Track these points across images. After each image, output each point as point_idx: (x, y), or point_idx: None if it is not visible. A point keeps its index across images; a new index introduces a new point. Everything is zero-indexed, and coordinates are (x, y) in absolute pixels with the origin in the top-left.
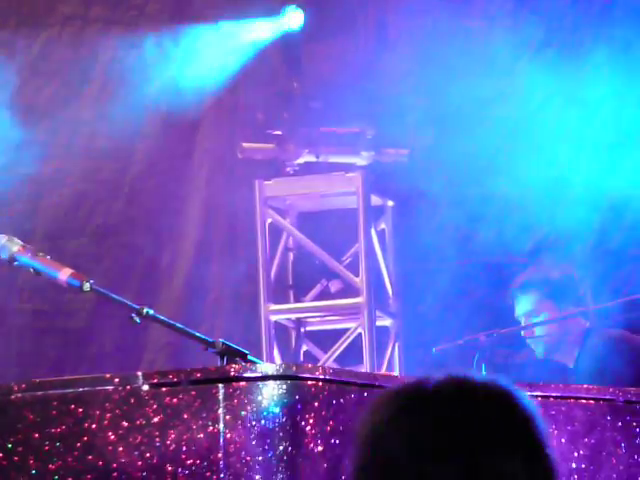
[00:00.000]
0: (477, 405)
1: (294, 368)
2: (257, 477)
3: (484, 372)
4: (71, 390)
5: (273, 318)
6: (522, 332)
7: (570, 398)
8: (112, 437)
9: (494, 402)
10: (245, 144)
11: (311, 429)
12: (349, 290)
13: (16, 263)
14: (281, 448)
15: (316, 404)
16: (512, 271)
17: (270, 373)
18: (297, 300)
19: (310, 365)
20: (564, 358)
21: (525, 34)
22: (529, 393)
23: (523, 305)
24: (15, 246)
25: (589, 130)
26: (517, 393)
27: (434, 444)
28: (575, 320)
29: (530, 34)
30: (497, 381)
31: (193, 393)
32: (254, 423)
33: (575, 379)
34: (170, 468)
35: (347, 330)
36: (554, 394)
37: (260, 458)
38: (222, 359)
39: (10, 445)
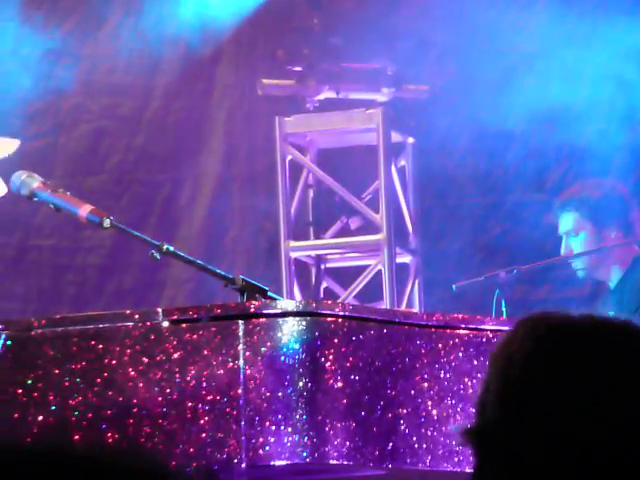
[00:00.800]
0: (617, 343)
1: (314, 304)
2: (277, 413)
3: (504, 308)
4: (91, 326)
5: (293, 255)
6: (562, 250)
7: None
8: (132, 373)
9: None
10: (265, 80)
11: (331, 365)
12: (369, 227)
13: (36, 199)
14: (301, 384)
15: (336, 340)
16: (532, 208)
17: (290, 309)
18: (317, 237)
19: (330, 301)
20: (605, 278)
21: None
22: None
23: (563, 223)
24: (35, 182)
25: (613, 61)
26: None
27: (575, 379)
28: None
29: None
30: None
31: (213, 329)
32: (274, 359)
33: (613, 299)
34: (190, 404)
35: (367, 267)
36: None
37: (280, 394)
38: (242, 295)
39: (30, 381)
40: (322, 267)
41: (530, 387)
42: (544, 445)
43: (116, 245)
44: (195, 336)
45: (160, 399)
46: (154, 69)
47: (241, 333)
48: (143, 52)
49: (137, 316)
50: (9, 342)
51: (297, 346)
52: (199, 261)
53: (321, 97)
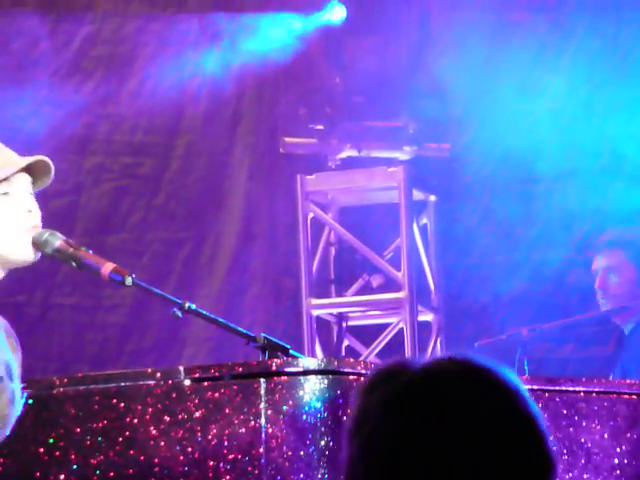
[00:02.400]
0: (456, 389)
1: (335, 363)
2: (299, 472)
3: (526, 367)
4: (113, 384)
5: (315, 313)
6: (596, 283)
7: (613, 393)
8: (154, 432)
9: (468, 384)
10: (287, 139)
11: None
12: (391, 285)
13: (58, 257)
14: (322, 443)
15: None
16: (555, 266)
17: (312, 368)
18: (339, 295)
19: (351, 360)
20: (623, 322)
21: (569, 27)
22: (572, 388)
23: (604, 260)
24: (57, 240)
25: (635, 121)
26: (494, 370)
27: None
28: None
29: (574, 27)
30: (479, 361)
31: (235, 387)
32: (295, 418)
33: (627, 345)
34: (212, 463)
35: (389, 325)
36: (597, 389)
37: (302, 453)
38: (264, 354)
39: (52, 440)
40: (344, 325)
41: (391, 438)
42: None
43: (136, 304)
44: (217, 394)
45: (182, 458)
46: (175, 128)
47: (263, 391)
48: (164, 111)
49: (159, 374)
50: (31, 401)
51: (319, 404)
52: (221, 319)
53: (343, 155)
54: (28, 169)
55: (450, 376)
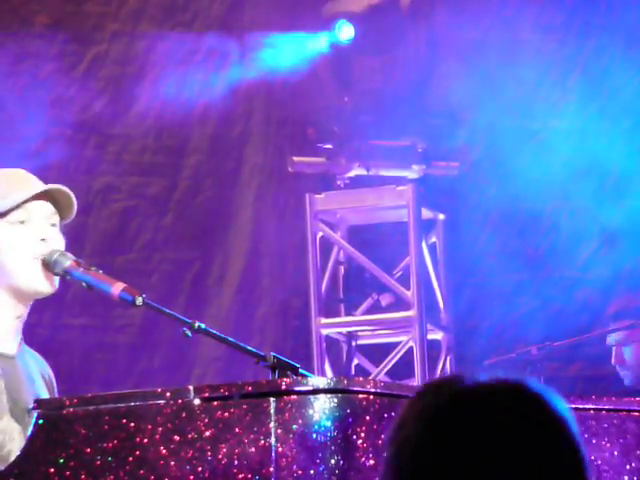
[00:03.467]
0: (494, 409)
1: (345, 381)
2: None
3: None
4: (123, 404)
5: (324, 332)
6: (613, 360)
7: (622, 411)
8: (164, 451)
9: (513, 406)
10: (295, 158)
11: (362, 443)
12: (400, 304)
13: (69, 278)
14: (333, 462)
15: (367, 417)
16: (563, 284)
17: (321, 386)
18: (348, 314)
19: (361, 378)
20: None
21: (576, 47)
22: (581, 405)
23: (615, 334)
24: (68, 261)
25: None
26: (545, 395)
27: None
28: None
29: (581, 47)
30: (523, 383)
31: (244, 407)
32: (305, 437)
33: None
34: None
35: (398, 344)
36: (606, 407)
37: (312, 472)
38: (273, 373)
39: (62, 460)
40: (353, 344)
41: (423, 453)
42: None
43: (145, 324)
44: (227, 414)
45: (192, 477)
46: (183, 148)
47: (272, 411)
48: (172, 131)
49: (168, 394)
50: (41, 421)
51: (329, 423)
52: (230, 338)
53: (351, 174)
54: (52, 199)
55: (493, 395)
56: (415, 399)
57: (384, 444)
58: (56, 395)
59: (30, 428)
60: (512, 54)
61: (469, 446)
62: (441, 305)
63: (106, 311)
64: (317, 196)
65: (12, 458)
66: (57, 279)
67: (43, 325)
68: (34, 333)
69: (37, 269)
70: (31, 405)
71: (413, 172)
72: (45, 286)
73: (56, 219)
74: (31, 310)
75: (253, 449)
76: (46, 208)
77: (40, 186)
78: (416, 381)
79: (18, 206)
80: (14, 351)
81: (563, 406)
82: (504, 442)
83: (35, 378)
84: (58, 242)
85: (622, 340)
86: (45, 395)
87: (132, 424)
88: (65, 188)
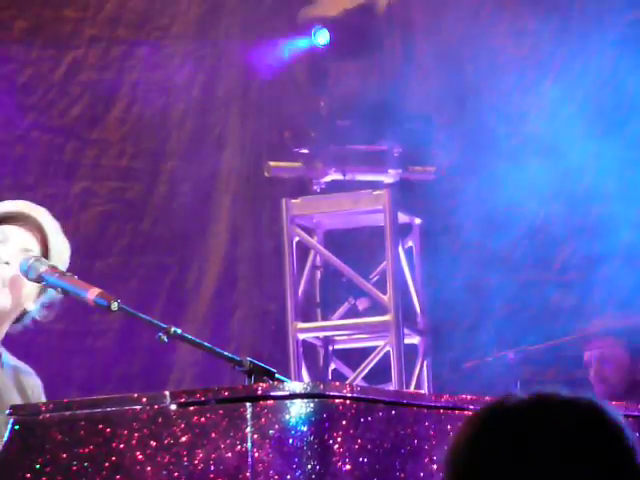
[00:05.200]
0: (555, 421)
1: (321, 386)
2: None
3: (515, 388)
4: (99, 410)
5: (301, 336)
6: (591, 374)
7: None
8: (140, 457)
9: (575, 418)
10: (272, 163)
11: (339, 447)
12: (377, 308)
13: (44, 283)
14: (309, 467)
15: (344, 422)
16: (541, 288)
17: (297, 391)
18: (325, 318)
19: (338, 383)
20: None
21: (551, 50)
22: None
23: (594, 351)
24: (43, 266)
25: (615, 145)
26: (603, 408)
27: (512, 461)
28: None
29: (556, 49)
30: (582, 397)
31: (220, 412)
32: (282, 442)
33: None
34: None
35: (375, 348)
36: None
37: (288, 477)
38: (249, 378)
39: (38, 465)
40: (330, 348)
41: (471, 473)
42: None
43: (124, 329)
44: (203, 419)
45: None
46: (161, 153)
47: (249, 416)
48: (150, 136)
49: (145, 399)
50: (17, 426)
51: (305, 428)
52: (206, 344)
53: (328, 179)
54: (25, 224)
55: (547, 410)
56: (468, 421)
57: (361, 449)
58: None
59: (6, 434)
60: (487, 59)
61: (513, 450)
62: (418, 309)
63: (85, 316)
64: (293, 201)
65: None
66: (17, 296)
67: (20, 330)
68: (12, 339)
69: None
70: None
71: (389, 176)
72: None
73: (32, 247)
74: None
75: (230, 454)
76: (13, 230)
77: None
78: (393, 385)
79: None
80: None
81: (618, 417)
82: (547, 450)
83: (8, 392)
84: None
85: (603, 357)
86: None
87: (108, 429)
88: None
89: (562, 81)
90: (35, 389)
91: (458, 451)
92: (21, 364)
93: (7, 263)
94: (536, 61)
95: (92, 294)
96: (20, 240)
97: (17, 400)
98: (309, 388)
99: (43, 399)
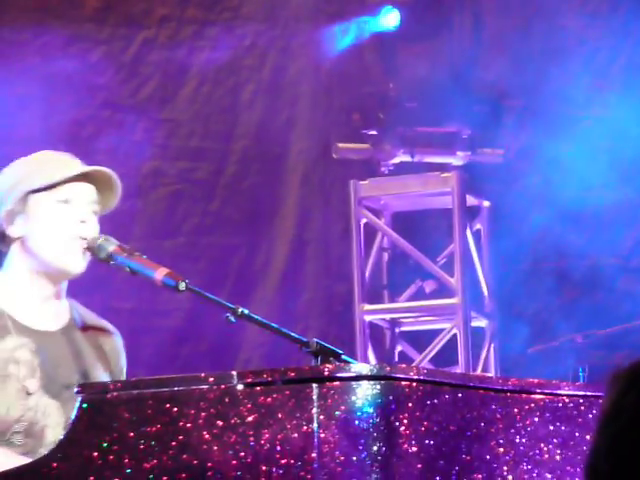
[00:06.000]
0: None
1: (388, 368)
2: (351, 477)
3: (581, 373)
4: (166, 389)
5: (367, 318)
6: None
7: None
8: (207, 436)
9: None
10: (340, 144)
11: (405, 429)
12: (444, 290)
13: (112, 263)
14: (375, 448)
15: (410, 404)
16: (607, 272)
17: (364, 373)
18: (391, 300)
19: (404, 365)
20: None
21: (622, 34)
22: None
23: None
24: (112, 246)
25: None
26: None
27: None
28: None
29: (627, 33)
30: None
31: (287, 392)
32: (348, 423)
33: None
34: (264, 467)
35: (442, 330)
36: None
37: (354, 458)
38: (316, 359)
39: (105, 444)
40: (396, 330)
41: None
42: None
43: (192, 308)
44: (269, 399)
45: (234, 462)
46: (230, 133)
47: (315, 397)
48: (220, 117)
49: (211, 379)
50: (85, 405)
51: (371, 410)
52: (273, 324)
53: (396, 161)
54: (97, 183)
55: None
56: (626, 385)
57: (427, 431)
58: (121, 367)
59: (73, 412)
60: (556, 41)
61: None
62: (485, 292)
63: (153, 296)
64: (361, 182)
65: (48, 434)
66: (83, 261)
67: (91, 309)
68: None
69: (71, 249)
70: (72, 381)
71: (458, 159)
72: (75, 267)
73: (97, 207)
74: (79, 294)
75: (295, 435)
76: (89, 192)
77: (84, 167)
78: (460, 368)
79: (63, 184)
80: (55, 328)
81: None
82: None
83: (85, 353)
84: (96, 227)
85: None
86: (96, 370)
87: (175, 409)
88: (109, 172)
89: (632, 65)
90: (113, 349)
91: (621, 419)
92: (102, 322)
93: (83, 222)
94: (606, 44)
95: (160, 274)
96: (87, 195)
97: (96, 363)
98: (376, 370)
99: (123, 361)
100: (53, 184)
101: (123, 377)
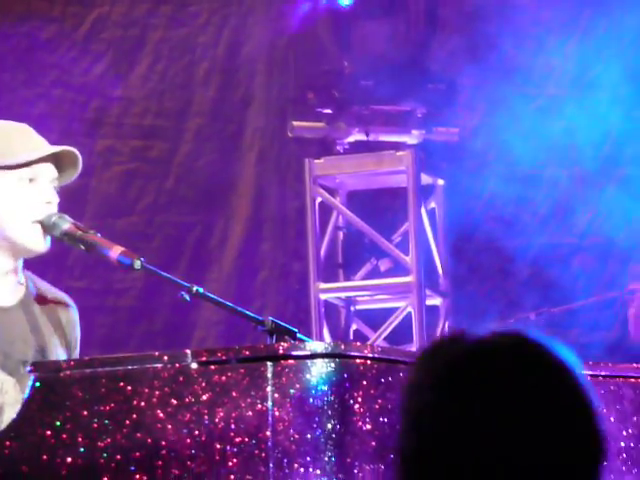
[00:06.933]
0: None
1: (342, 346)
2: (305, 455)
3: None
4: (120, 368)
5: (323, 297)
6: (631, 332)
7: (619, 377)
8: (161, 415)
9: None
10: (295, 123)
11: (359, 407)
12: (399, 269)
13: (67, 241)
14: (329, 426)
15: (364, 382)
16: (562, 250)
17: (319, 351)
18: (347, 279)
19: (359, 343)
20: None
21: (574, 12)
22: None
23: (634, 307)
24: (66, 224)
25: None
26: (546, 344)
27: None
28: None
29: (580, 11)
30: (523, 334)
31: (241, 371)
32: (302, 401)
33: None
34: (219, 446)
35: (397, 309)
36: (603, 373)
37: (308, 436)
38: (271, 337)
39: (59, 422)
40: (352, 309)
41: (443, 414)
42: (465, 469)
43: (147, 287)
44: (224, 378)
45: (189, 441)
46: (185, 111)
47: (270, 375)
48: (174, 94)
49: (166, 357)
50: (38, 384)
51: (325, 388)
52: (228, 303)
53: (351, 139)
54: (56, 161)
55: (501, 351)
56: (424, 361)
57: (381, 409)
58: (76, 338)
59: (27, 390)
60: (511, 20)
61: (488, 402)
62: (440, 271)
63: (107, 274)
64: (316, 161)
65: (6, 412)
66: (48, 239)
67: None
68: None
69: (37, 230)
70: (28, 357)
71: (413, 137)
72: (41, 246)
73: (56, 183)
74: (32, 271)
75: (250, 413)
76: (51, 171)
77: (52, 148)
78: (414, 346)
79: (28, 164)
80: (10, 303)
81: (565, 355)
82: (521, 393)
83: (42, 328)
84: (56, 204)
85: None
86: (53, 345)
87: (129, 387)
88: (76, 151)
89: (586, 43)
90: (69, 322)
91: (425, 395)
92: (59, 294)
93: (49, 203)
94: (560, 22)
95: (115, 252)
96: (50, 174)
97: (52, 336)
98: (330, 348)
99: (78, 332)
100: (19, 164)
101: (77, 349)
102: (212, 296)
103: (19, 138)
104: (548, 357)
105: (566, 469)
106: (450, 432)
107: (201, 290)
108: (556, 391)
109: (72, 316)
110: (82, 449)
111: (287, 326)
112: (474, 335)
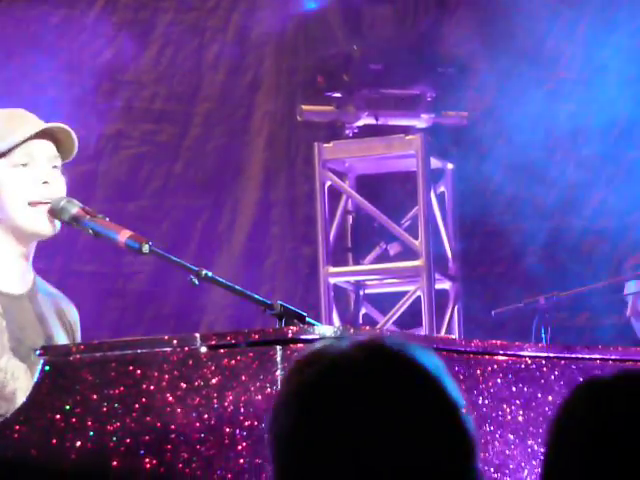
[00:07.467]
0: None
1: (352, 330)
2: None
3: (544, 335)
4: (130, 351)
5: (332, 281)
6: (628, 311)
7: (629, 361)
8: (170, 398)
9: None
10: (305, 106)
11: None
12: (408, 253)
13: (75, 225)
14: None
15: None
16: (572, 233)
17: (328, 335)
18: (356, 263)
19: (368, 327)
20: None
21: None
22: (588, 356)
23: (634, 285)
24: (74, 208)
25: None
26: (404, 349)
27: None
28: None
29: None
30: (380, 341)
31: (251, 355)
32: None
33: None
34: (228, 429)
35: (406, 293)
36: (613, 357)
37: None
38: (280, 321)
39: (68, 406)
40: (361, 293)
41: (299, 437)
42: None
43: (156, 271)
44: (233, 362)
45: (198, 425)
46: (194, 95)
47: (279, 359)
48: (183, 78)
49: (175, 341)
50: (47, 367)
51: None
52: (237, 287)
53: (360, 123)
54: (54, 139)
55: (355, 365)
56: (282, 385)
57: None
58: (77, 339)
59: (36, 374)
60: (520, 3)
61: (347, 417)
62: (449, 255)
63: (117, 258)
64: (325, 145)
65: (18, 397)
66: (58, 223)
67: (53, 272)
68: (43, 280)
69: (39, 211)
70: (38, 345)
71: (422, 121)
72: (46, 228)
73: (58, 162)
74: (41, 256)
75: (259, 397)
76: (48, 149)
77: (40, 124)
78: (423, 330)
79: (19, 146)
80: (21, 290)
81: (425, 355)
82: (379, 403)
83: (49, 318)
84: (60, 184)
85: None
86: (59, 335)
87: (139, 371)
88: (66, 126)
89: (596, 27)
90: (72, 317)
91: (278, 432)
92: (60, 293)
93: (45, 183)
94: (570, 5)
95: (123, 236)
96: (46, 152)
97: (59, 329)
98: (339, 332)
99: (78, 334)
100: (10, 148)
101: None
102: (221, 280)
103: (8, 123)
104: (406, 363)
105: (433, 470)
106: (307, 453)
107: (210, 274)
108: (415, 396)
109: (75, 314)
110: (92, 433)
111: (296, 310)
112: (329, 352)
